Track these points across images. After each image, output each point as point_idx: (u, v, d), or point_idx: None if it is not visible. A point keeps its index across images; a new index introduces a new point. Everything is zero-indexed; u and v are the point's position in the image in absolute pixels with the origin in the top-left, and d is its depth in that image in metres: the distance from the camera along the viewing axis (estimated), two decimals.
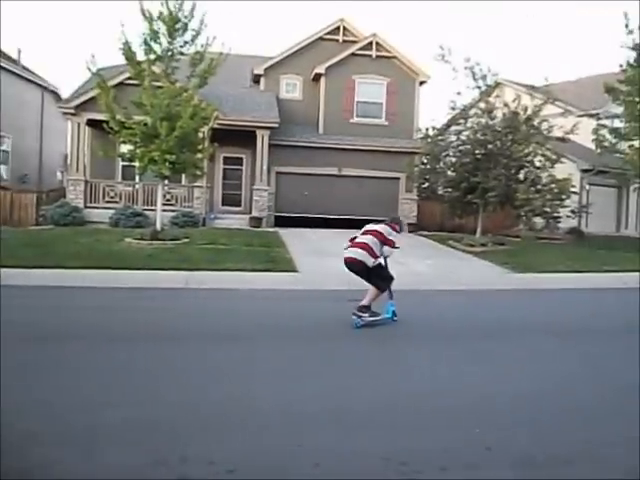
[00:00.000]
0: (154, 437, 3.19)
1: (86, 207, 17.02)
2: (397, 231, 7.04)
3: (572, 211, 16.40)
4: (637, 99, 17.42)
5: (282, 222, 18.21)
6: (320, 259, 11.87)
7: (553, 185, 15.43)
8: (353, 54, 19.93)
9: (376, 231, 6.84)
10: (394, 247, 6.83)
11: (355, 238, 6.89)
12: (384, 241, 6.73)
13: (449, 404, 3.89)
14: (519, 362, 5.11)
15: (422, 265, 11.83)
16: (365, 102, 20.11)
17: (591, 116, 20.90)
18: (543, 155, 15.98)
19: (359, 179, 19.48)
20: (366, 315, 6.47)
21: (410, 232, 18.99)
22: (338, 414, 3.66)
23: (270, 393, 4.02)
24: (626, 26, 17.53)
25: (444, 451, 3.11)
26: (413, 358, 5.18)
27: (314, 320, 6.80)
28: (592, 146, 19.35)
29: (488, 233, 16.77)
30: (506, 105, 16.10)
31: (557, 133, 15.97)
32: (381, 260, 6.82)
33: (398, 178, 19.65)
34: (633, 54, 17.67)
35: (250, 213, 18.26)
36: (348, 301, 7.96)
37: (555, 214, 15.58)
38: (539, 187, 15.39)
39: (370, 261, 6.63)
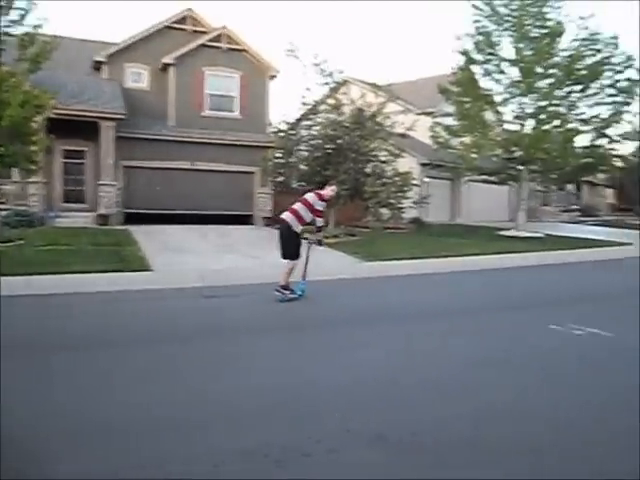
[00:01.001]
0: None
1: None
2: (324, 200, 7.75)
3: (414, 202, 17.77)
4: (466, 99, 19.37)
5: (133, 219, 17.26)
6: (175, 256, 11.50)
7: (397, 178, 16.58)
8: (203, 45, 19.47)
9: (305, 199, 7.66)
10: (319, 231, 7.78)
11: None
12: (312, 210, 7.53)
13: (309, 392, 4.01)
14: (376, 346, 5.42)
15: (278, 258, 11.99)
16: (217, 95, 19.78)
17: (428, 114, 22.78)
18: (387, 150, 17.08)
19: (213, 173, 19.16)
20: (287, 292, 7.41)
21: (266, 226, 19.17)
22: (195, 415, 3.58)
23: (124, 400, 3.81)
24: (455, 32, 19.32)
25: (307, 438, 3.20)
26: (272, 351, 5.24)
27: (170, 319, 6.58)
28: (429, 142, 21.13)
29: (340, 225, 17.52)
30: (353, 102, 16.90)
31: (399, 129, 17.16)
32: (317, 236, 7.85)
33: (253, 172, 19.67)
34: (462, 58, 19.58)
35: (96, 210, 17.06)
36: (204, 297, 7.85)
37: (399, 205, 16.75)
38: (384, 180, 16.43)
39: (296, 225, 7.48)
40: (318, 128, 16.85)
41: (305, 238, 7.83)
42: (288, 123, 17.54)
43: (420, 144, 22.68)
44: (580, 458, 3.02)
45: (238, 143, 19.29)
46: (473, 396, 3.95)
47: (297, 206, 7.61)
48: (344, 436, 3.24)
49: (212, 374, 4.45)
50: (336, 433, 3.28)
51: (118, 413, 3.57)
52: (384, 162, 17.08)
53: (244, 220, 19.37)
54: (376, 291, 9.18)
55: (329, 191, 7.90)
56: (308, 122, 17.45)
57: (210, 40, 19.58)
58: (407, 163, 19.35)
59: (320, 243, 7.99)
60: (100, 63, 19.18)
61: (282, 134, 17.34)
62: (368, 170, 16.80)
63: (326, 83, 16.81)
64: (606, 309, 7.42)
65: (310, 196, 7.68)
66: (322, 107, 17.41)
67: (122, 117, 16.93)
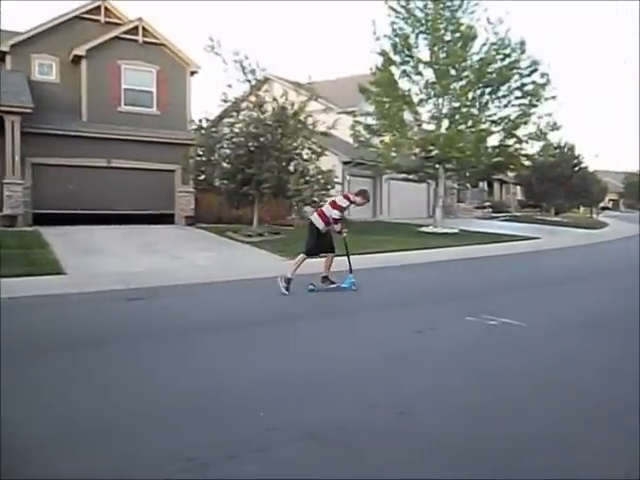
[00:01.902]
0: None
1: None
2: (351, 201, 8.26)
3: None
4: (385, 99, 19.86)
5: (43, 220, 16.27)
6: (91, 258, 11.00)
7: (320, 176, 16.73)
8: (117, 37, 18.68)
9: (333, 200, 8.48)
10: (337, 224, 8.26)
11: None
12: (334, 207, 8.16)
13: (234, 393, 3.96)
14: (300, 343, 5.45)
15: (202, 258, 11.79)
16: (134, 90, 19.06)
17: (348, 113, 23.15)
18: (310, 148, 17.19)
19: (132, 171, 18.44)
20: (327, 284, 8.21)
21: (189, 225, 18.75)
22: (117, 420, 3.45)
23: (41, 408, 3.60)
24: (374, 33, 19.79)
25: (230, 441, 3.16)
26: (196, 352, 5.13)
27: (86, 325, 6.27)
28: (350, 140, 21.49)
29: (265, 223, 17.46)
30: (275, 100, 16.86)
31: (321, 128, 17.31)
32: (335, 227, 8.36)
33: (174, 170, 19.14)
34: (381, 59, 20.05)
35: (1, 211, 15.95)
36: (127, 300, 7.56)
37: (322, 203, 16.90)
38: (307, 178, 16.53)
39: (320, 224, 8.20)
40: (240, 126, 16.68)
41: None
42: (210, 120, 17.23)
43: (342, 143, 23.01)
44: (499, 447, 3.19)
45: (157, 140, 18.69)
46: (395, 388, 4.07)
47: (324, 206, 8.50)
48: (270, 435, 3.24)
49: (137, 377, 4.30)
50: (262, 433, 3.26)
51: (39, 421, 3.37)
52: (307, 160, 17.17)
53: (165, 219, 18.83)
54: (302, 289, 9.21)
55: (359, 198, 8.49)
56: (230, 119, 17.22)
57: (125, 32, 18.82)
58: (329, 161, 19.58)
59: (340, 233, 8.49)
60: (4, 53, 17.93)
61: (204, 131, 17.02)
62: (291, 168, 16.84)
63: (248, 80, 16.67)
64: (518, 300, 7.87)
65: (339, 197, 8.55)
66: (244, 104, 17.24)
67: (29, 111, 15.91)
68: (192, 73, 20.11)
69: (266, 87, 18.68)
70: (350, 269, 8.32)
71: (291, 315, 6.80)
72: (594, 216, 44.14)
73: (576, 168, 40.58)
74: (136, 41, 18.93)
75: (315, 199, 16.51)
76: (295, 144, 16.71)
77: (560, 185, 38.03)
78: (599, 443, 3.18)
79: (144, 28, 19.04)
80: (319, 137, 17.63)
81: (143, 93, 19.21)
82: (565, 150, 40.26)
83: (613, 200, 74.05)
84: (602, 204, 57.04)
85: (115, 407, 3.70)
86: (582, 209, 49.05)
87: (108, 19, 19.24)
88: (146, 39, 19.09)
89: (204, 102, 53.48)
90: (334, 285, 8.29)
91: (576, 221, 32.06)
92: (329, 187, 16.95)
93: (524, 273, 11.35)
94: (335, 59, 69.36)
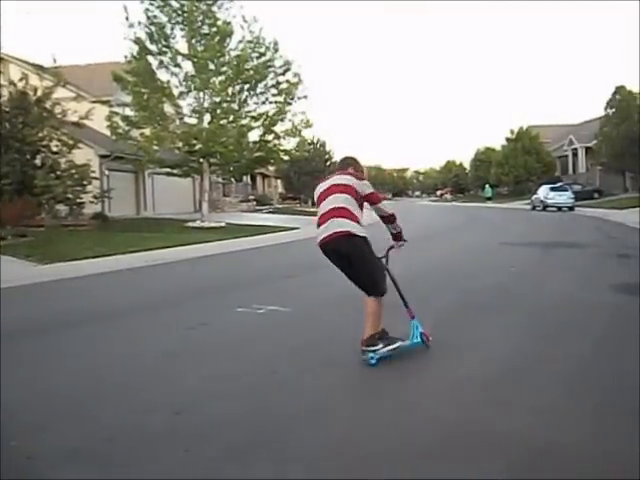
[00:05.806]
0: None
1: None
2: (361, 178, 4.62)
3: (95, 196, 16.76)
4: (143, 90, 19.04)
5: None
6: None
7: (73, 171, 15.37)
8: None
9: (344, 185, 4.45)
10: (399, 239, 4.80)
11: (324, 213, 4.40)
12: (364, 197, 4.51)
13: None
14: (58, 358, 4.91)
15: None
16: None
17: (103, 103, 21.57)
18: (60, 140, 15.65)
19: None
20: (380, 346, 4.36)
21: None
22: None
23: None
24: (127, 19, 18.80)
25: None
26: None
27: None
28: (108, 132, 20.10)
29: (7, 225, 15.32)
30: (12, 84, 14.92)
31: (72, 118, 15.87)
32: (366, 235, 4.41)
33: None
34: (136, 47, 19.14)
35: None
36: None
37: (78, 200, 15.58)
38: (59, 173, 15.06)
39: (361, 231, 4.36)
40: None
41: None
42: None
43: (98, 134, 21.37)
44: (275, 426, 3.33)
45: None
46: (171, 388, 3.95)
47: (341, 201, 4.44)
48: (24, 465, 2.84)
49: None
50: (14, 465, 2.84)
51: None
52: (57, 153, 15.61)
53: None
54: (59, 295, 8.33)
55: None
56: None
57: None
58: (84, 155, 18.01)
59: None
60: None
61: None
62: (38, 162, 15.11)
63: None
64: (284, 287, 8.32)
65: (348, 178, 4.57)
66: None
67: None
68: None
69: (0, 69, 16.28)
70: (409, 310, 4.68)
71: (41, 328, 6.05)
72: None
73: (328, 163, 44.74)
74: None
75: (69, 196, 15.13)
76: (41, 135, 15.04)
77: (315, 178, 41.42)
78: (355, 407, 3.57)
79: None
80: (70, 128, 16.12)
81: None
82: (318, 146, 44.02)
83: None
84: None
85: None
86: None
87: None
88: None
89: None
90: (399, 343, 4.49)
91: None
92: (85, 183, 15.70)
93: (287, 261, 12.07)
94: (83, 42, 63.87)
